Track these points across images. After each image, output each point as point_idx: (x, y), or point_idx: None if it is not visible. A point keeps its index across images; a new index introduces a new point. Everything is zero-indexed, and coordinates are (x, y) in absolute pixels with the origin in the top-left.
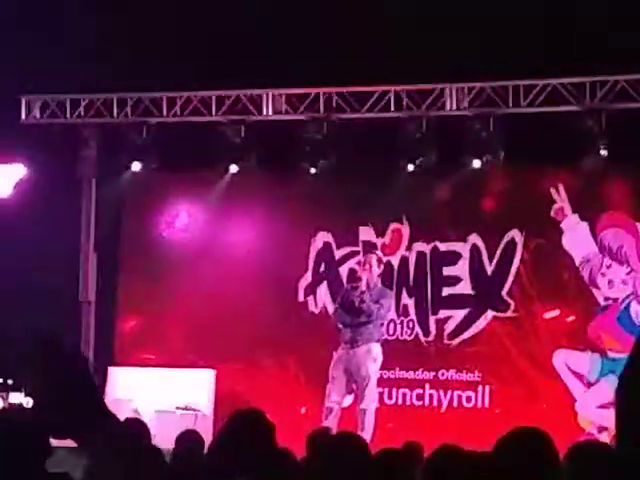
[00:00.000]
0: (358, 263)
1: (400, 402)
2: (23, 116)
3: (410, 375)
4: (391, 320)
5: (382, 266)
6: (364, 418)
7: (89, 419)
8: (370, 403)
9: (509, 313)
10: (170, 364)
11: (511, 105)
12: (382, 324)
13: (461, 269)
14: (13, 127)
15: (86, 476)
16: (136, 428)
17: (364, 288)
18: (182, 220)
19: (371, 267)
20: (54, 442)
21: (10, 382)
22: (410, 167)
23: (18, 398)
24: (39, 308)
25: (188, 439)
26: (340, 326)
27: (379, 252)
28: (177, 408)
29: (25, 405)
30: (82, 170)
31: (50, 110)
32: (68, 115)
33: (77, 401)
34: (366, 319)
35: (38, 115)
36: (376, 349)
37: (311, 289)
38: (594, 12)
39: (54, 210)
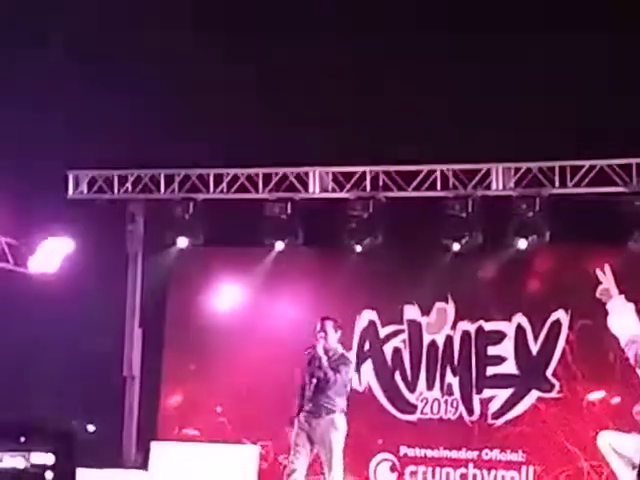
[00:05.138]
0: (321, 331)
1: None
2: (70, 191)
3: (454, 454)
4: (435, 399)
5: (339, 332)
6: None
7: None
8: (338, 473)
9: (554, 394)
10: (214, 440)
11: (557, 185)
12: (347, 393)
13: (506, 349)
14: (60, 202)
15: None
16: None
17: (320, 354)
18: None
19: (327, 334)
20: None
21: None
22: (456, 246)
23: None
24: (84, 380)
25: None
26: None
27: (333, 320)
28: None
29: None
30: (129, 245)
31: (97, 185)
32: (115, 190)
33: None
34: (324, 385)
35: (85, 190)
36: (340, 420)
37: (356, 367)
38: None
39: (100, 285)
